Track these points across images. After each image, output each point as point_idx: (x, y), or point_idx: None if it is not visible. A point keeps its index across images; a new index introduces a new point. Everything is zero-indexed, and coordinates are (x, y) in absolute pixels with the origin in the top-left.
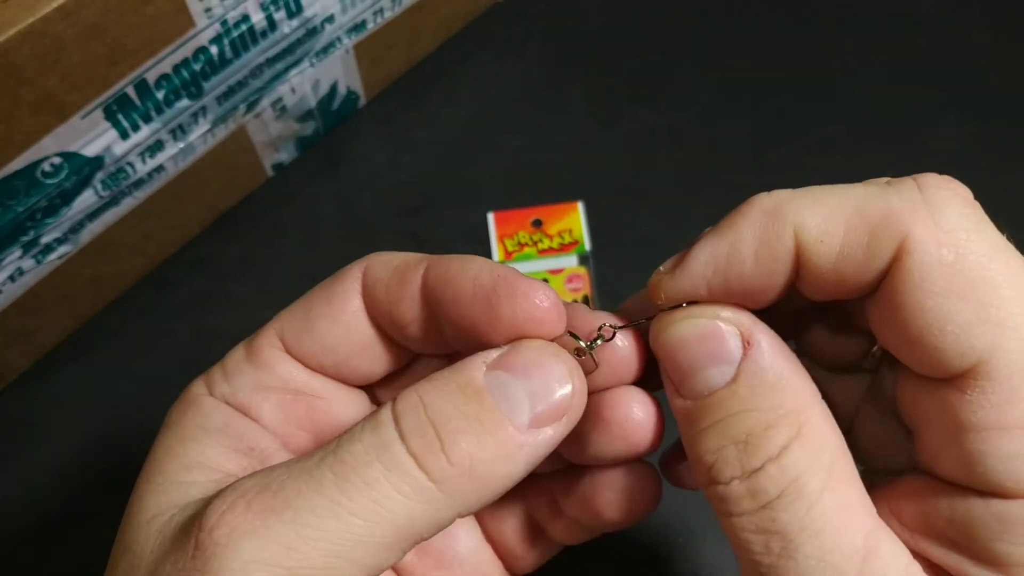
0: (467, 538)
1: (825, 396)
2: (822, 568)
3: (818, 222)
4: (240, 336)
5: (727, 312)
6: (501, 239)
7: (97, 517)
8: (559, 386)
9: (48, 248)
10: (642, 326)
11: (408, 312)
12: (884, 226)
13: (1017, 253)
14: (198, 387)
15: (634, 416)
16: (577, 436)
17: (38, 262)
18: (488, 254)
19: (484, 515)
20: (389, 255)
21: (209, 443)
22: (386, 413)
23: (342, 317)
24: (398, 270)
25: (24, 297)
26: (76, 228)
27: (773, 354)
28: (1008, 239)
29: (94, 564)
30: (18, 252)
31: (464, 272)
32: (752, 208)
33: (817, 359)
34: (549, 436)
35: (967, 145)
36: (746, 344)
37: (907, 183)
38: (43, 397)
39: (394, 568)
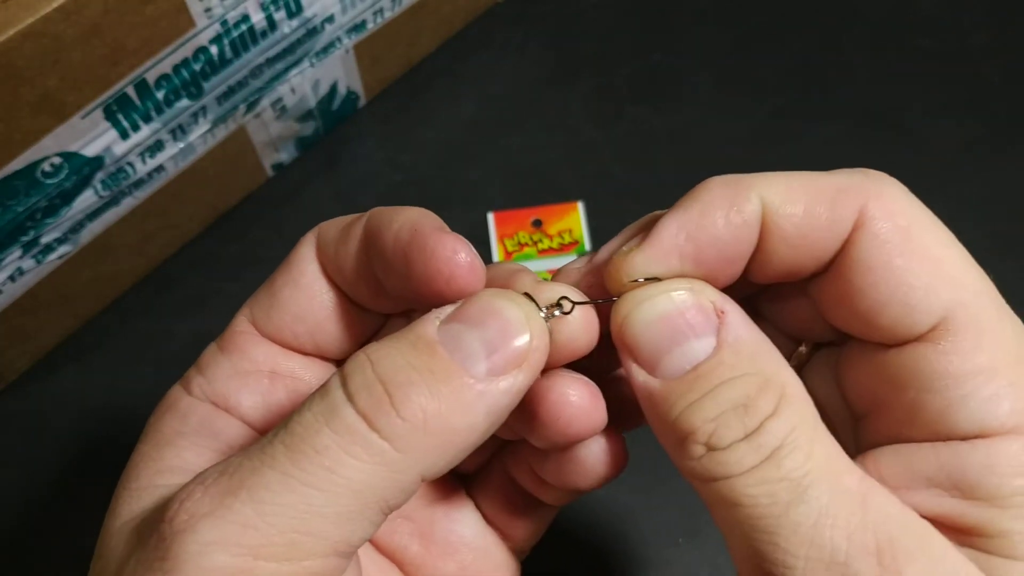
0: (469, 522)
1: None
2: (833, 508)
3: (782, 190)
4: None
5: (698, 284)
6: (501, 239)
7: (97, 517)
8: (516, 332)
9: (48, 248)
10: (601, 305)
11: (352, 269)
12: (843, 195)
13: (947, 228)
14: (175, 391)
15: (571, 400)
16: (522, 421)
17: (38, 262)
18: (488, 254)
19: (478, 495)
20: (340, 218)
21: (185, 445)
22: (335, 377)
23: (302, 280)
24: (343, 227)
25: (24, 297)
26: (76, 228)
27: (746, 322)
28: None
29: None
30: (18, 252)
31: (388, 225)
32: (711, 182)
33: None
34: (509, 384)
35: (967, 145)
36: (719, 314)
37: (853, 170)
38: (43, 397)
39: (400, 561)
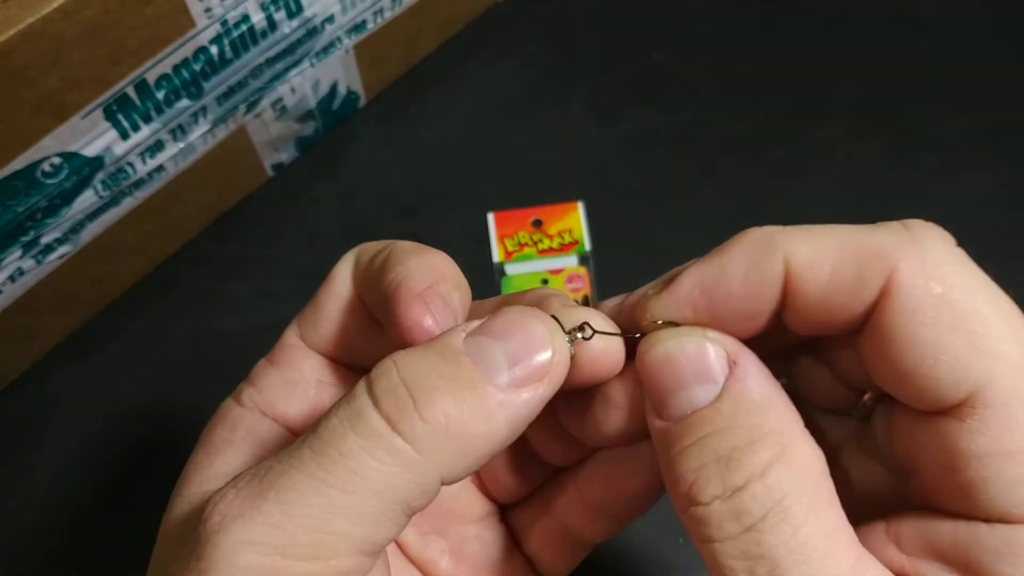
0: (499, 546)
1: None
2: None
3: (808, 251)
4: (240, 336)
5: (713, 333)
6: (501, 239)
7: (97, 517)
8: (539, 347)
9: (48, 248)
10: (629, 339)
11: (373, 300)
12: (873, 258)
13: (1000, 290)
14: (227, 402)
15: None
16: (577, 416)
17: (38, 262)
18: (488, 254)
19: (517, 524)
20: (375, 243)
21: (232, 453)
22: (361, 383)
23: (341, 297)
24: (373, 253)
25: (24, 297)
26: (76, 228)
27: (758, 376)
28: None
29: (94, 564)
30: (18, 252)
31: (386, 273)
32: (744, 236)
33: (812, 398)
34: (530, 397)
35: (968, 145)
36: (731, 364)
37: (894, 224)
38: (43, 397)
39: (429, 573)
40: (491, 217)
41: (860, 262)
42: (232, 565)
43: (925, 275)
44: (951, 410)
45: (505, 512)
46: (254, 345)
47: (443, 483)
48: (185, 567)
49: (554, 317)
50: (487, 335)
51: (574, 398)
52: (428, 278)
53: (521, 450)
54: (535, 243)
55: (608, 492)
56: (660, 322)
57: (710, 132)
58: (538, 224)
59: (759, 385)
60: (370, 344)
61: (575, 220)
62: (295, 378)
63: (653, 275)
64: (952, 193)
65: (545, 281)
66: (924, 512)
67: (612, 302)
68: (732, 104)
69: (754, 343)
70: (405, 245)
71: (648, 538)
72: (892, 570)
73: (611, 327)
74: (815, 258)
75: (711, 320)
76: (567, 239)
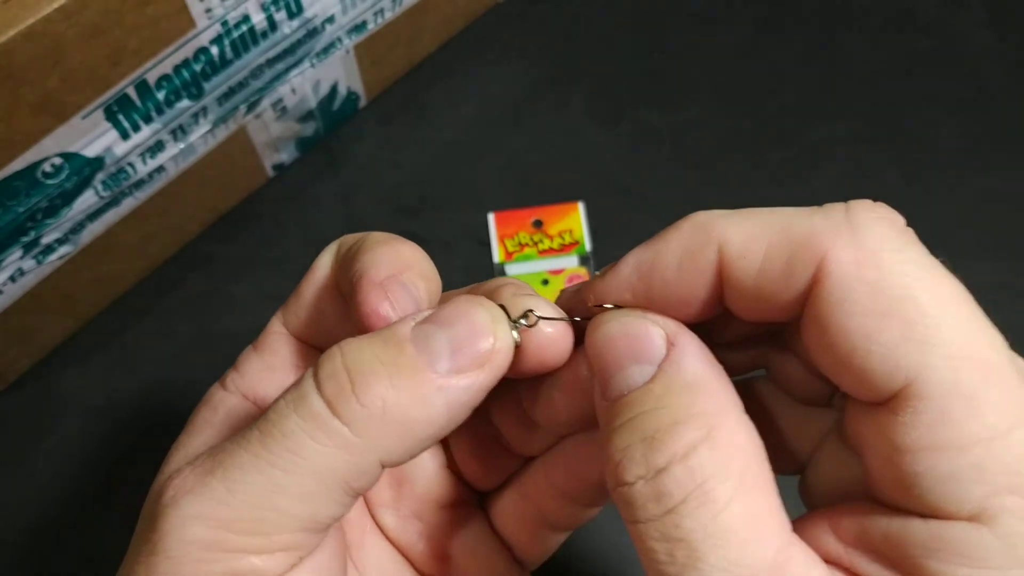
0: (475, 531)
1: (791, 426)
2: None
3: (741, 239)
4: (240, 336)
5: (654, 316)
6: (502, 239)
7: (97, 517)
8: (480, 334)
9: (49, 249)
10: (576, 324)
11: (346, 288)
12: (804, 244)
13: (948, 274)
14: (213, 387)
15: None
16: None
17: (39, 263)
18: (489, 255)
19: (493, 510)
20: (356, 234)
21: (211, 434)
22: (310, 368)
23: (321, 286)
24: (350, 246)
25: (25, 298)
26: (77, 229)
27: (695, 357)
28: (946, 266)
29: (94, 564)
30: (19, 253)
31: (353, 262)
32: (683, 222)
33: (787, 389)
34: (470, 383)
35: (968, 146)
36: (670, 345)
37: (836, 207)
38: (44, 397)
39: (409, 557)
40: (491, 217)
41: (791, 249)
42: (180, 538)
43: (858, 261)
44: (887, 402)
45: (482, 499)
46: None
47: (384, 465)
48: (142, 540)
49: (501, 306)
50: (433, 323)
51: (536, 385)
52: (392, 267)
53: (492, 438)
54: (535, 243)
55: (571, 478)
56: (609, 306)
57: (711, 132)
58: (539, 224)
59: (694, 367)
60: (346, 331)
61: (575, 220)
62: (275, 363)
63: None
64: (952, 194)
65: (546, 282)
66: (865, 503)
67: (571, 288)
68: (733, 104)
69: (722, 330)
70: (376, 236)
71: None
72: (828, 559)
73: (557, 313)
74: (748, 245)
75: (649, 304)
76: (567, 239)
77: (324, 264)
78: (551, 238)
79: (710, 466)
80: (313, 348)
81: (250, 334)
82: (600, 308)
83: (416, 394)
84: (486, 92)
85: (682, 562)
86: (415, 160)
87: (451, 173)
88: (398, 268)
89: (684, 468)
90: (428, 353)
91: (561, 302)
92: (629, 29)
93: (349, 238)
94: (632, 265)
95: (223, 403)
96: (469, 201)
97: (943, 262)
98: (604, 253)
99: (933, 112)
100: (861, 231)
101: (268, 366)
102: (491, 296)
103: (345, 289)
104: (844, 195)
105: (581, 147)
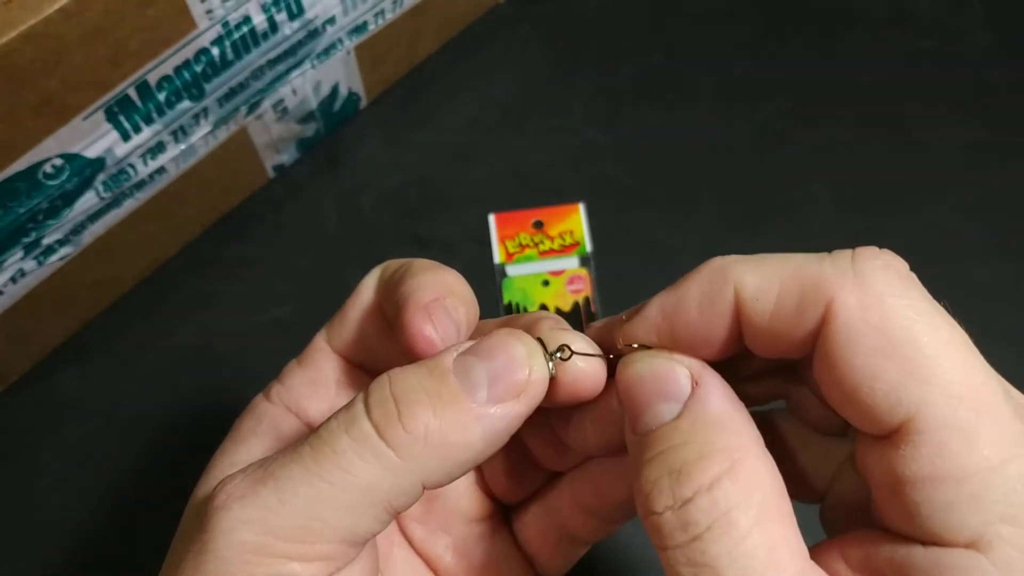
0: (501, 545)
1: (810, 455)
2: None
3: (756, 282)
4: (241, 337)
5: (679, 356)
6: (502, 240)
7: (98, 517)
8: (517, 367)
9: (49, 250)
10: (609, 361)
11: (390, 310)
12: (813, 288)
13: (948, 318)
14: (257, 397)
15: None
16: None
17: (39, 263)
18: (489, 255)
19: (518, 524)
20: (400, 260)
21: (255, 443)
22: (361, 393)
23: (364, 307)
24: (395, 268)
25: (25, 298)
26: (77, 229)
27: (719, 396)
28: (946, 309)
29: (94, 564)
30: (19, 253)
31: (399, 285)
32: (703, 268)
33: (806, 420)
34: (505, 412)
35: (969, 146)
36: (695, 384)
37: (843, 254)
38: (44, 398)
39: (435, 568)
40: (492, 218)
41: (801, 292)
42: (230, 540)
43: (863, 304)
44: (890, 435)
45: (507, 512)
46: (255, 346)
47: (425, 487)
48: (191, 538)
49: (539, 340)
50: (474, 355)
51: (568, 412)
52: (436, 292)
53: (522, 455)
54: (536, 244)
55: (598, 497)
56: (636, 345)
57: (711, 133)
58: (539, 225)
59: (718, 405)
60: (388, 351)
61: (576, 221)
62: (318, 378)
63: (654, 276)
64: (953, 194)
65: (546, 282)
66: (872, 531)
67: (598, 324)
68: (733, 105)
69: (742, 365)
70: (421, 262)
71: (649, 538)
72: None
73: (592, 349)
74: (762, 288)
75: (674, 344)
76: (568, 240)
77: (368, 286)
78: (552, 239)
79: (733, 497)
80: (354, 366)
81: (251, 335)
82: (629, 348)
83: (456, 422)
84: (486, 93)
85: None
86: (416, 161)
87: (452, 174)
88: (441, 293)
89: (709, 499)
90: (468, 384)
91: (590, 335)
92: (629, 29)
93: (393, 263)
94: (657, 308)
95: (267, 414)
96: (470, 202)
97: (943, 305)
98: (605, 254)
99: (933, 112)
100: (866, 277)
101: (311, 381)
102: (529, 329)
103: (388, 311)
104: (845, 195)
105: (581, 148)
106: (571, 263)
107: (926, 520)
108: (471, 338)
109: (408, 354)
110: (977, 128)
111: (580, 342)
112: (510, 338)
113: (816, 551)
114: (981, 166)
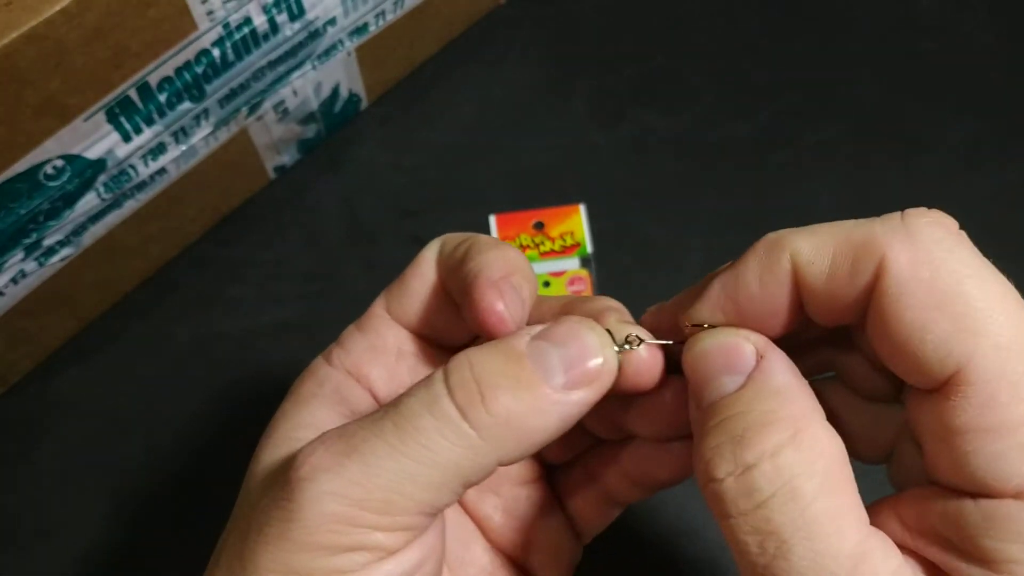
0: (545, 506)
1: (860, 423)
2: (815, 569)
3: (811, 247)
4: (242, 338)
5: (744, 332)
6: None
7: (98, 518)
8: (591, 355)
9: (50, 250)
10: (670, 348)
11: (453, 284)
12: (865, 247)
13: (997, 273)
14: (317, 361)
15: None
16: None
17: (40, 264)
18: None
19: (561, 485)
20: (458, 234)
21: (317, 406)
22: (439, 372)
23: (425, 277)
24: (457, 243)
25: (26, 299)
26: (78, 230)
27: (782, 368)
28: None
29: (94, 565)
30: (20, 254)
31: (466, 262)
32: (757, 243)
33: (856, 387)
34: (580, 398)
35: (969, 147)
36: (759, 358)
37: (893, 215)
38: (45, 399)
39: (484, 527)
40: (493, 219)
41: (854, 253)
42: (316, 510)
43: (914, 260)
44: (941, 388)
45: (551, 473)
46: (256, 347)
47: (499, 465)
48: (276, 506)
49: (608, 330)
50: (547, 340)
51: (625, 399)
52: (503, 269)
53: (578, 424)
54: (537, 245)
55: (645, 472)
56: (705, 326)
57: (712, 134)
58: (540, 226)
59: (781, 376)
60: (446, 322)
61: (577, 222)
62: (379, 344)
63: (654, 277)
64: (954, 195)
65: (547, 283)
66: (924, 489)
67: (652, 309)
68: (734, 106)
69: (790, 338)
70: (486, 239)
71: (649, 537)
72: (895, 544)
73: (655, 340)
74: (816, 252)
75: (739, 321)
76: (569, 241)
77: (428, 259)
78: (552, 240)
79: (796, 465)
80: (413, 334)
81: (251, 336)
82: (695, 328)
83: (535, 406)
84: (487, 94)
85: (772, 553)
86: (416, 162)
87: (452, 175)
88: (508, 271)
89: (772, 465)
90: (543, 369)
91: (645, 326)
92: (630, 31)
93: (453, 237)
94: (719, 287)
95: (329, 378)
96: (470, 203)
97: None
98: (605, 255)
99: (935, 114)
100: (916, 234)
101: (372, 347)
102: (595, 316)
103: (451, 285)
104: (845, 196)
105: (582, 149)
106: (572, 264)
107: (976, 470)
108: (530, 314)
109: (478, 329)
110: (977, 128)
111: (643, 333)
112: (583, 327)
113: (871, 511)
114: (982, 167)
